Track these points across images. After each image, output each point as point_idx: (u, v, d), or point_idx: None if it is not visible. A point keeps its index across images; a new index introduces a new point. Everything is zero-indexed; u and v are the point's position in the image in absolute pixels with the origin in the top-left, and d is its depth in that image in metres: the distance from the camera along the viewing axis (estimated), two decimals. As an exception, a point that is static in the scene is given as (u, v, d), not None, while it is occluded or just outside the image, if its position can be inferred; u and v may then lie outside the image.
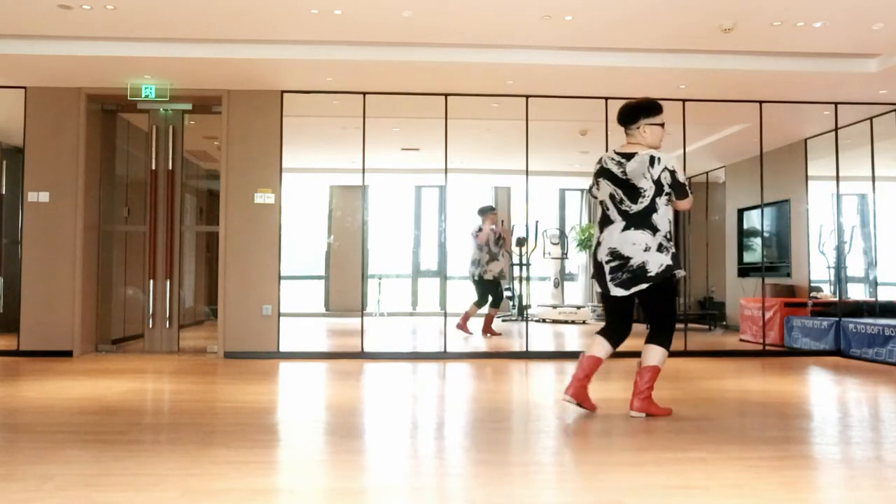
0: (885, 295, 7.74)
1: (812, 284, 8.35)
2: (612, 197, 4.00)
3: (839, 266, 8.13)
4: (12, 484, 2.68)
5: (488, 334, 8.57)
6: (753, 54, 6.16)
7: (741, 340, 8.49)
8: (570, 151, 9.69)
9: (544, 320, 11.06)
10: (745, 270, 9.88)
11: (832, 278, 8.33)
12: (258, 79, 6.63)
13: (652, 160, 3.93)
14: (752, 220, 9.79)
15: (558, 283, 12.29)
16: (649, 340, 4.01)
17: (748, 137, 8.15)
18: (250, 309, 6.89)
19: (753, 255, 9.83)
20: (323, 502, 2.56)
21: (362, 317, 7.42)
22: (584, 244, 12.27)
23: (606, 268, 3.97)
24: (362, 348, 7.04)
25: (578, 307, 11.35)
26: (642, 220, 3.91)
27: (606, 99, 7.03)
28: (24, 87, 6.87)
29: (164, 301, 7.19)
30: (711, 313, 10.44)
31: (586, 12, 5.22)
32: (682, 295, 11.20)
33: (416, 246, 12.25)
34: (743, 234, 10.05)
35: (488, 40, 5.86)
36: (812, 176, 8.26)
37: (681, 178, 3.96)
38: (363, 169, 7.41)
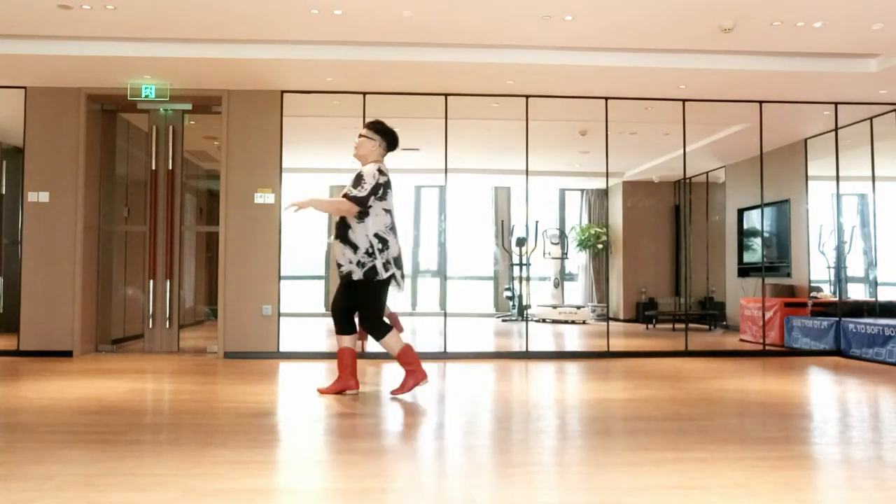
0: (885, 295, 7.74)
1: (812, 284, 8.35)
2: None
3: (839, 266, 8.13)
4: (12, 484, 2.68)
5: None
6: (753, 54, 6.16)
7: (741, 340, 8.49)
8: (570, 151, 9.69)
9: (544, 320, 11.06)
10: (745, 270, 9.88)
11: (832, 278, 8.33)
12: (258, 79, 6.64)
13: None
14: (752, 220, 9.79)
15: (558, 284, 12.30)
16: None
17: (748, 137, 8.15)
18: (250, 309, 6.89)
19: (753, 255, 9.83)
20: (323, 502, 2.56)
21: (362, 317, 7.40)
22: (584, 244, 12.27)
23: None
24: (362, 348, 7.04)
25: (578, 307, 11.35)
26: None
27: (606, 99, 7.02)
28: (24, 87, 6.88)
29: (164, 301, 7.19)
30: (711, 313, 10.45)
31: (586, 12, 5.22)
32: (683, 295, 11.22)
33: (416, 246, 12.24)
34: (743, 234, 10.05)
35: (488, 40, 5.86)
36: (812, 176, 8.26)
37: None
38: (363, 169, 7.39)
